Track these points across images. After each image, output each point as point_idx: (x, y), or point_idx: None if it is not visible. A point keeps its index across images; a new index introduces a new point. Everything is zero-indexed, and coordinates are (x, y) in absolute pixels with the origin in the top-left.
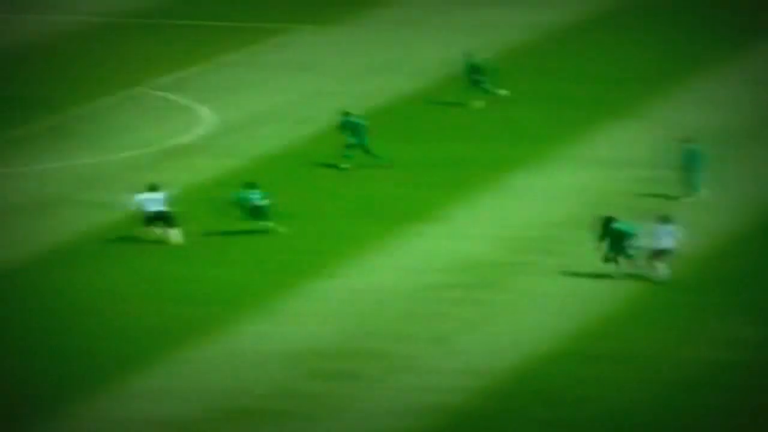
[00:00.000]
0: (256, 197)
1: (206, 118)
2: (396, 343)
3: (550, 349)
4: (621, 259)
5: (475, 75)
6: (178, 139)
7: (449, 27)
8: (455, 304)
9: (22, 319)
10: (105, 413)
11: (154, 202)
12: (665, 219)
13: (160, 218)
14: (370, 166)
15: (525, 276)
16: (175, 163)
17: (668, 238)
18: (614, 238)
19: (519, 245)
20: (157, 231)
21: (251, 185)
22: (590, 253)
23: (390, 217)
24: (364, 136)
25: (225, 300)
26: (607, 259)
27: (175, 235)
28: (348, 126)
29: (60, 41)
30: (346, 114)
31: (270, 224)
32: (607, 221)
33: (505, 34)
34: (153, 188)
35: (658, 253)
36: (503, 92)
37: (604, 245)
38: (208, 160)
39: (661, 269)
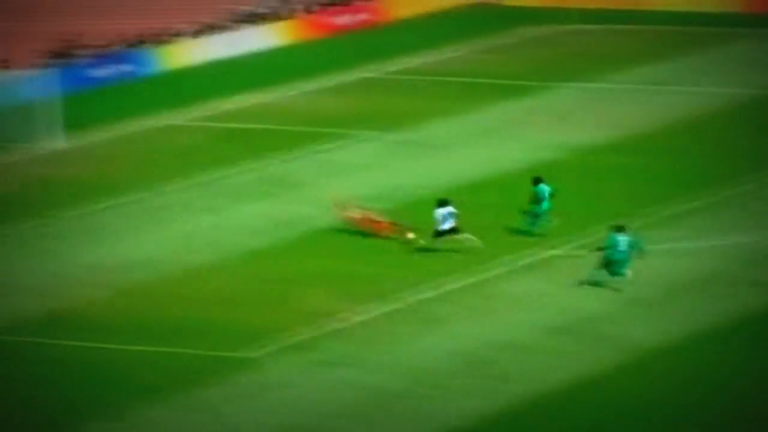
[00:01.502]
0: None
1: None
2: None
3: None
4: None
5: None
6: None
7: None
8: None
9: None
10: None
11: (448, 217)
12: None
13: (453, 232)
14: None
15: None
16: None
17: None
18: None
19: None
20: (459, 238)
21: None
22: None
23: None
24: (545, 202)
25: None
26: None
27: (468, 239)
28: (538, 193)
29: (734, 113)
30: (539, 180)
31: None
32: None
33: None
34: (443, 203)
35: None
36: None
37: None
38: None
39: None
